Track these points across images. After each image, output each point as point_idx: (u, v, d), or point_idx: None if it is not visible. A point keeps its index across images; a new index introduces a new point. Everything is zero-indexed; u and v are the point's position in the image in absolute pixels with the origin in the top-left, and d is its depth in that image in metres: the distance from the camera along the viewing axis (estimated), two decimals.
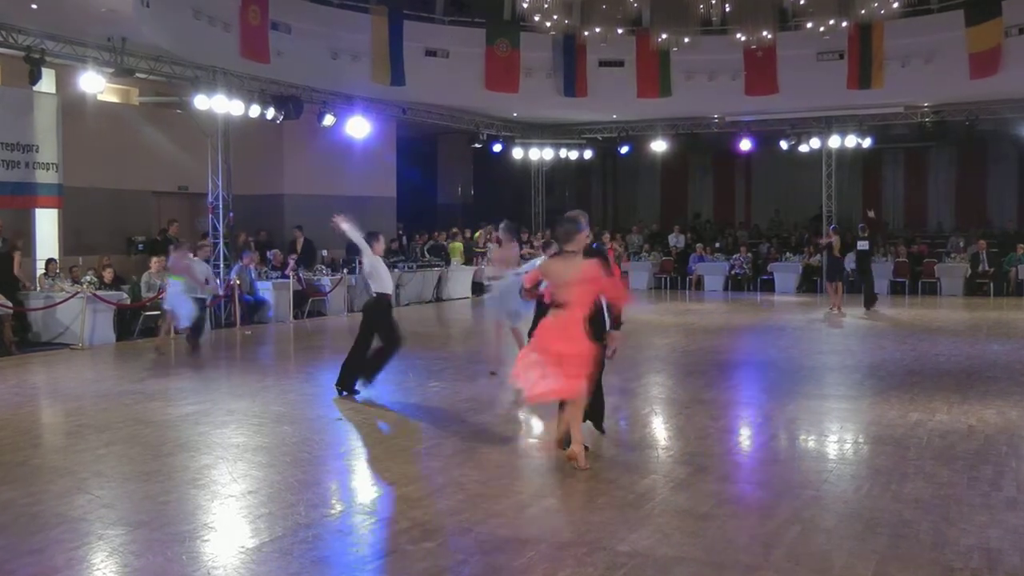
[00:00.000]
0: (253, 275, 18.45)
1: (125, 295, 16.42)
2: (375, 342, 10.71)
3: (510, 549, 5.60)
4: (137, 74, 17.06)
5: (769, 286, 25.97)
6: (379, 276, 10.72)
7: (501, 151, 27.34)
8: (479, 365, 13.28)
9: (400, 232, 25.27)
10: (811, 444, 8.58)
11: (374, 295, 10.86)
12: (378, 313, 10.72)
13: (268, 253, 20.18)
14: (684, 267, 27.65)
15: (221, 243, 18.19)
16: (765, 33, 21.45)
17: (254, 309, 18.47)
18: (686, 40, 21.99)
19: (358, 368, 10.70)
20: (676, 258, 28.18)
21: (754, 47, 21.99)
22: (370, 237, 10.68)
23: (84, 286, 15.41)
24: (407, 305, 22.39)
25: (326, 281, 20.31)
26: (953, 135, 26.17)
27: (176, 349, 14.88)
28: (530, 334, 7.99)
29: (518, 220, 30.94)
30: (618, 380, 11.79)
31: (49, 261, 16.70)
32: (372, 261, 10.72)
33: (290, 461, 7.83)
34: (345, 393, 10.59)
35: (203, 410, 9.99)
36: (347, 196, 24.31)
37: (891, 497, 6.63)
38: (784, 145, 26.27)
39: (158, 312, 16.34)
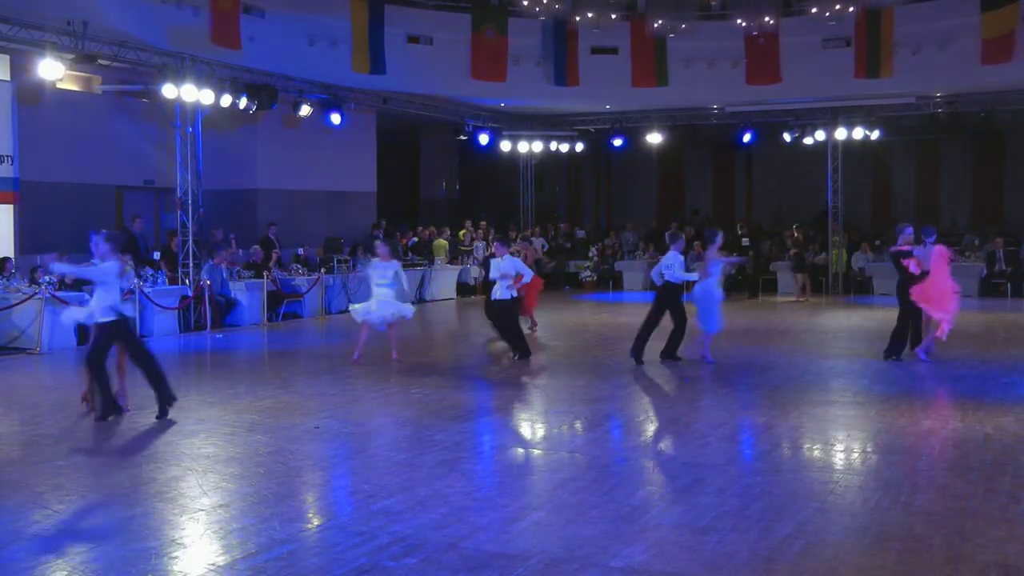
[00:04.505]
0: (225, 274, 18.37)
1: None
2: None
3: (497, 565, 5.61)
4: (100, 61, 16.94)
5: (772, 286, 25.99)
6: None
7: (488, 143, 27.26)
8: (463, 370, 13.39)
9: (380, 229, 25.21)
10: (816, 453, 8.60)
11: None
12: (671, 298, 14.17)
13: (241, 252, 20.08)
14: None
15: (191, 241, 18.13)
16: (767, 18, 21.48)
17: (225, 311, 18.39)
18: (684, 26, 22.02)
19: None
20: None
21: (756, 33, 22.00)
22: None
23: (42, 287, 15.32)
24: None
25: (301, 281, 20.20)
26: (968, 127, 26.16)
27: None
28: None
29: (506, 215, 31.03)
30: (607, 386, 11.83)
31: (3, 260, 16.60)
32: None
33: (264, 472, 7.81)
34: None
35: (170, 419, 9.95)
36: (325, 191, 24.39)
37: (901, 510, 6.66)
38: (787, 137, 26.23)
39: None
